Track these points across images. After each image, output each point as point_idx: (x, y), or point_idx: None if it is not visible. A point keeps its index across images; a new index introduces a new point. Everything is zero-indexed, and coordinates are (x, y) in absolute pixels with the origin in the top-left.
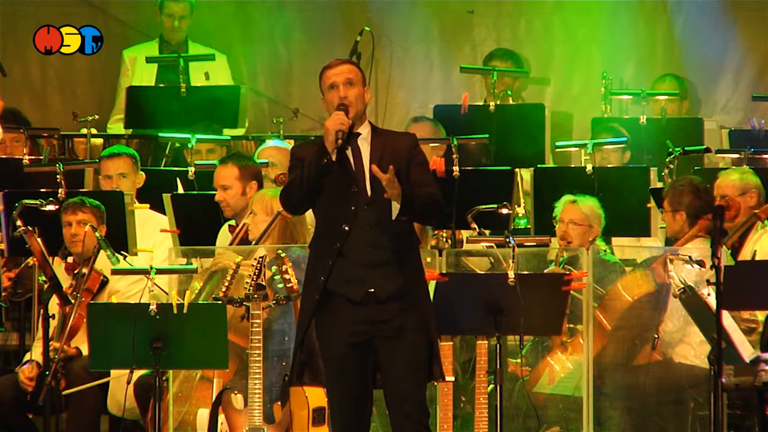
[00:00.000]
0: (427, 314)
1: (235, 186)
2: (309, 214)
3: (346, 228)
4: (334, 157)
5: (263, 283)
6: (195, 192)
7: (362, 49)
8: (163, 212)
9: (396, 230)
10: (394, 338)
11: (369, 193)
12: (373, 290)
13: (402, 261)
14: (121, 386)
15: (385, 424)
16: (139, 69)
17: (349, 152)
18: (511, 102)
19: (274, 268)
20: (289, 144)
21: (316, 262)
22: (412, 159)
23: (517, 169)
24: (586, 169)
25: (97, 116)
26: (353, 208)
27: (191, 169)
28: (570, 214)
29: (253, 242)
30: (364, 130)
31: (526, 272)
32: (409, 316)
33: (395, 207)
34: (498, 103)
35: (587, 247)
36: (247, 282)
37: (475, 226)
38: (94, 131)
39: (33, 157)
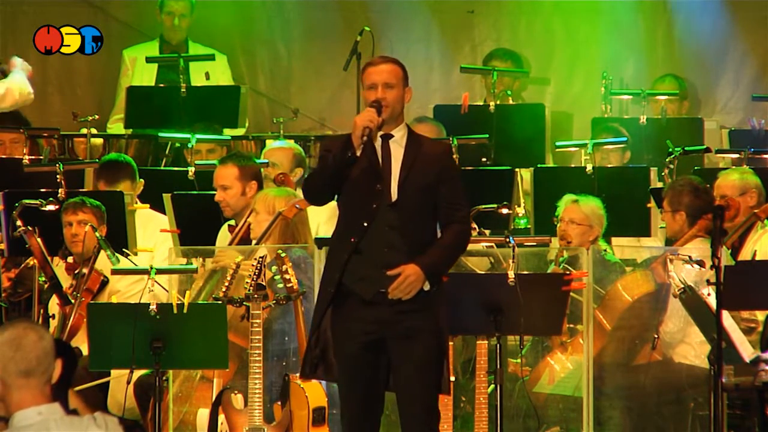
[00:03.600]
0: (439, 318)
1: (234, 186)
2: (310, 215)
3: (365, 224)
4: (358, 153)
5: (263, 283)
6: (195, 192)
7: (362, 49)
8: (164, 212)
9: (416, 236)
10: (406, 339)
11: (394, 195)
12: (384, 291)
13: None
14: (121, 386)
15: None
16: (139, 69)
17: (379, 151)
18: (511, 102)
19: (274, 268)
20: (290, 143)
21: (333, 255)
22: (442, 174)
23: (517, 169)
24: (586, 169)
25: (97, 116)
26: (375, 206)
27: (191, 169)
28: (570, 213)
29: (254, 242)
30: (399, 133)
31: (526, 272)
32: (421, 318)
33: (426, 284)
34: (498, 103)
35: (587, 248)
36: (247, 282)
37: (475, 226)
38: (94, 131)
39: (33, 157)
